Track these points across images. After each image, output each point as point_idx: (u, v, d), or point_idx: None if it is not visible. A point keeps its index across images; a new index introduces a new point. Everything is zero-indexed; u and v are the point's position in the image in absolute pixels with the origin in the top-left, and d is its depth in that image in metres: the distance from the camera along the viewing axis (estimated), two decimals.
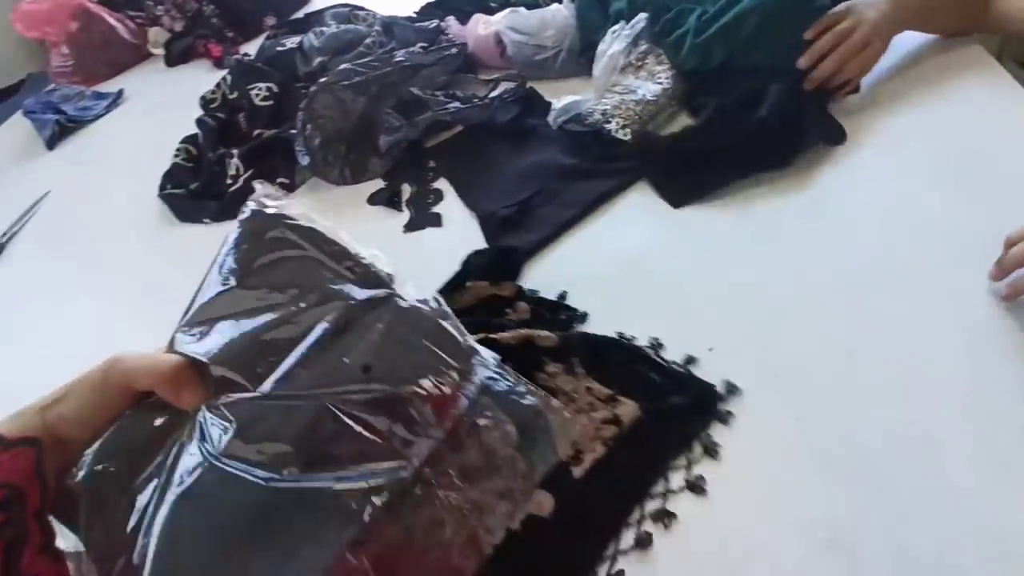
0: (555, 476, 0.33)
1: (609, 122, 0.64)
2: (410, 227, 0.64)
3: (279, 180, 0.74)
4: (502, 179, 0.64)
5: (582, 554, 0.36)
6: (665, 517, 0.36)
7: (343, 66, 0.71)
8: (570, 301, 0.50)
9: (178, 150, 0.84)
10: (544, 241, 0.56)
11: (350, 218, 0.68)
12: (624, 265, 0.53)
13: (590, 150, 0.63)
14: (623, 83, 0.66)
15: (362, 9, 0.93)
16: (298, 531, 0.25)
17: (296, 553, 0.25)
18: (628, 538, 0.36)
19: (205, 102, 0.93)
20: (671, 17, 0.67)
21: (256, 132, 0.82)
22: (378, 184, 0.71)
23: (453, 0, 0.97)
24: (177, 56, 1.30)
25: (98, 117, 1.17)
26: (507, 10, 0.81)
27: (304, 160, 0.72)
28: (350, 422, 0.26)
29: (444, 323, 0.30)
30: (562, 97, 0.68)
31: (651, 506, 0.37)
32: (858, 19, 0.58)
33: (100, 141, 1.12)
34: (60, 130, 1.12)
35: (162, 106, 1.18)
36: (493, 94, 0.74)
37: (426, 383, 0.28)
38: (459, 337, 0.30)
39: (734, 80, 0.62)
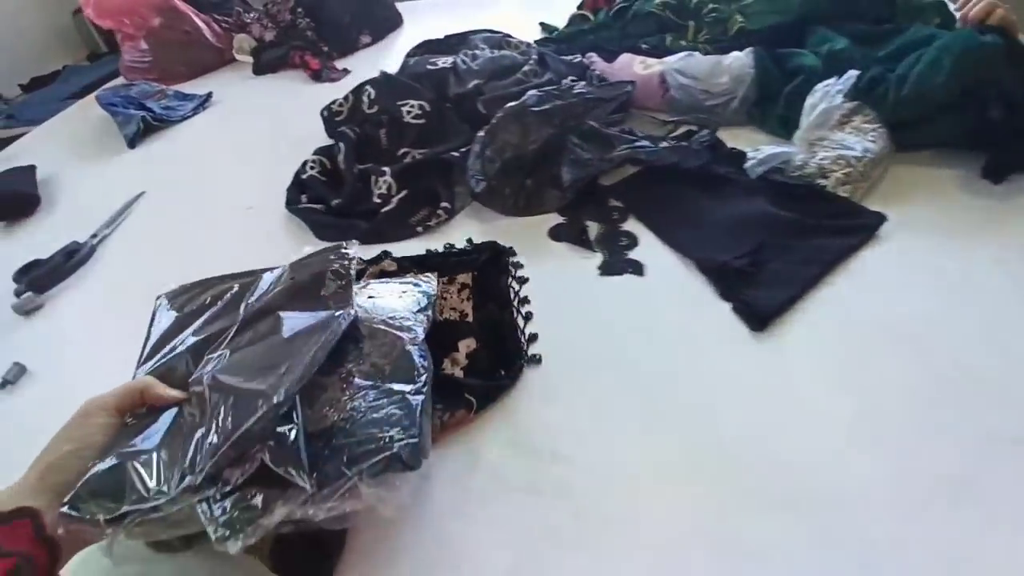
0: None
1: (827, 177, 0.61)
2: (607, 271, 0.59)
3: (442, 205, 0.68)
4: (713, 227, 0.60)
5: None
6: None
7: (530, 93, 0.67)
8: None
9: (313, 162, 0.78)
10: (794, 298, 0.51)
11: (531, 250, 0.63)
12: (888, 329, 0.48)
13: (807, 203, 0.60)
14: (832, 138, 0.64)
15: (512, 36, 0.90)
16: None
17: None
18: None
19: (331, 114, 0.88)
20: (875, 75, 0.66)
21: (402, 151, 0.77)
22: (549, 218, 0.66)
23: (598, 38, 0.96)
24: (266, 65, 1.25)
25: (185, 118, 1.10)
26: (682, 54, 0.78)
27: (479, 186, 0.67)
28: None
29: None
30: (760, 147, 0.66)
31: None
32: None
33: (187, 142, 1.04)
34: (144, 128, 1.05)
35: (251, 112, 1.12)
36: (674, 135, 0.70)
37: None
38: None
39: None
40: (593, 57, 0.90)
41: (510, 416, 0.47)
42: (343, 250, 0.45)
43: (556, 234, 0.64)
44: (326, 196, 0.73)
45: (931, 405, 0.43)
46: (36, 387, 0.61)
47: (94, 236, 0.80)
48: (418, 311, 0.44)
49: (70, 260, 0.76)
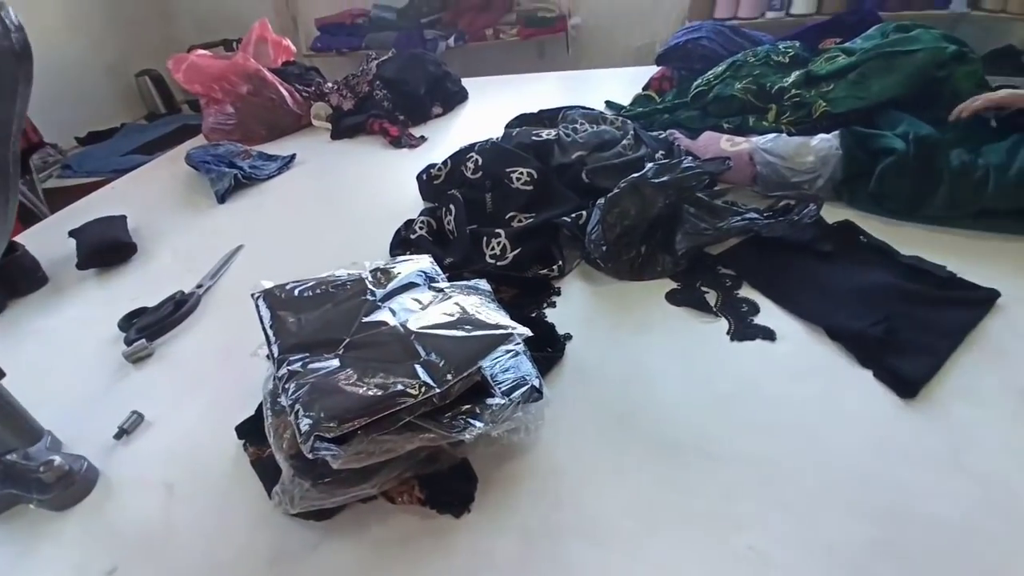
0: None
1: None
2: (738, 336, 0.60)
3: (558, 262, 0.71)
4: (836, 296, 0.62)
5: None
6: None
7: (649, 165, 0.71)
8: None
9: (422, 222, 0.81)
10: (938, 366, 0.52)
11: (658, 315, 0.64)
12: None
13: (922, 277, 0.62)
14: None
15: (606, 113, 0.97)
16: None
17: None
18: None
19: (429, 177, 0.93)
20: (965, 160, 0.71)
21: (510, 214, 0.80)
22: (662, 284, 0.69)
23: (675, 117, 1.03)
24: (345, 130, 1.33)
25: (271, 176, 1.16)
26: (771, 135, 0.84)
27: (599, 251, 0.69)
28: None
29: None
30: None
31: None
32: None
33: (276, 199, 1.09)
34: (234, 184, 1.10)
35: (334, 173, 1.18)
36: (777, 207, 0.74)
37: None
38: None
39: None
40: (676, 134, 0.97)
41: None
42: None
43: (675, 299, 0.66)
44: (437, 254, 0.75)
45: None
46: (153, 435, 0.61)
47: (199, 286, 0.82)
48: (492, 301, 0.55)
49: (179, 309, 0.77)
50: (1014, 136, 0.73)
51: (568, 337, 0.62)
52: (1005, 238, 0.69)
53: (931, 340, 0.55)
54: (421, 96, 1.37)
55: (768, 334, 0.60)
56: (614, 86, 1.36)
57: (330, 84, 1.47)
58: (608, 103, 1.26)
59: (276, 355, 0.48)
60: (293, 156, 1.23)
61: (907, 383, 0.51)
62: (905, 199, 0.73)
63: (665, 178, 0.70)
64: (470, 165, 0.87)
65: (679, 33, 1.27)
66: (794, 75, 0.93)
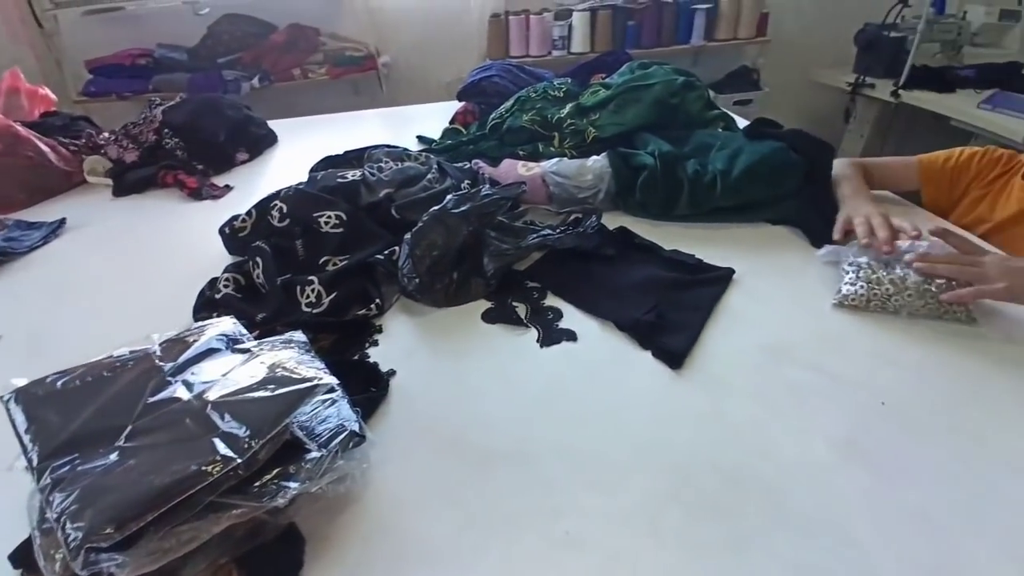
0: None
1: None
2: (546, 342, 0.67)
3: (376, 301, 0.72)
4: (618, 293, 0.73)
5: None
6: None
7: (449, 197, 0.76)
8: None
9: (226, 280, 0.76)
10: (695, 338, 0.64)
11: (476, 336, 0.69)
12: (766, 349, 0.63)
13: (678, 266, 0.76)
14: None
15: (410, 150, 1.00)
16: None
17: None
18: None
19: (233, 230, 0.88)
20: (697, 167, 0.88)
21: (323, 259, 0.79)
22: (477, 306, 0.74)
23: (480, 147, 1.11)
24: (130, 186, 1.19)
25: (34, 248, 0.98)
26: (555, 160, 0.95)
27: (412, 284, 0.72)
28: None
29: None
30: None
31: None
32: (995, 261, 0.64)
33: (42, 274, 0.93)
34: None
35: (119, 235, 1.04)
36: (568, 222, 0.84)
37: None
38: None
39: None
40: (480, 163, 1.04)
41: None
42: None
43: (490, 317, 0.71)
44: (247, 311, 0.71)
45: (802, 401, 0.57)
46: None
47: None
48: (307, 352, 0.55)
49: None
50: (735, 144, 0.93)
51: (392, 373, 0.63)
52: (734, 227, 0.88)
53: (688, 317, 0.68)
54: (221, 143, 1.28)
55: (571, 336, 0.68)
56: (428, 120, 1.42)
57: (106, 135, 1.30)
58: (419, 137, 1.31)
59: (36, 463, 0.41)
60: (62, 221, 1.06)
61: (674, 356, 0.62)
62: (659, 204, 0.89)
63: (466, 207, 0.76)
64: (275, 213, 0.84)
65: (474, 72, 1.38)
66: (568, 107, 1.07)
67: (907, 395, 0.57)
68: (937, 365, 0.61)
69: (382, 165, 0.92)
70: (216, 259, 0.89)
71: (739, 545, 0.44)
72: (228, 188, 1.17)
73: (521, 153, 1.06)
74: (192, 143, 1.25)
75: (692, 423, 0.56)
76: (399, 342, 0.69)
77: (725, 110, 1.21)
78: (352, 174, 0.88)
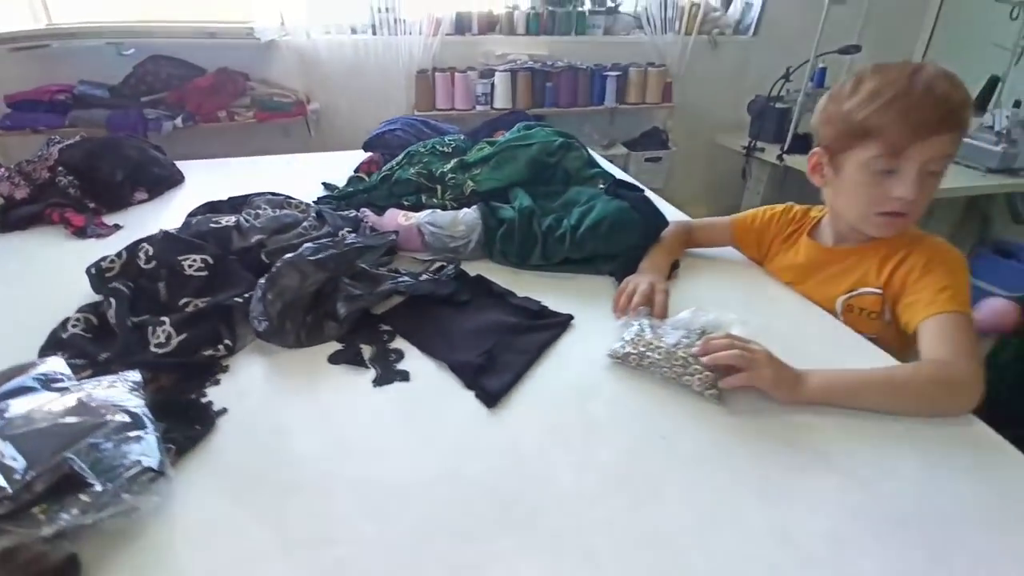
0: None
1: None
2: (380, 382, 0.72)
3: (225, 342, 0.75)
4: (461, 336, 0.78)
5: None
6: None
7: (307, 244, 0.81)
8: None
9: (76, 320, 0.78)
10: (516, 379, 0.70)
11: (318, 376, 0.73)
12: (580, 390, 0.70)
13: (522, 312, 0.84)
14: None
15: (292, 198, 1.06)
16: None
17: None
18: None
19: (100, 270, 0.89)
20: (551, 224, 0.98)
21: (183, 301, 0.82)
22: (331, 347, 0.78)
23: (372, 196, 1.17)
24: (15, 222, 1.18)
25: None
26: (429, 210, 1.03)
27: (261, 326, 0.76)
28: None
29: None
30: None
31: None
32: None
33: None
34: None
35: None
36: (431, 270, 0.91)
37: None
38: None
39: None
40: (366, 212, 1.11)
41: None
42: None
43: (335, 359, 0.76)
44: (91, 352, 0.73)
45: (588, 435, 0.63)
46: None
47: None
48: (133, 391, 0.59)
49: None
50: (593, 202, 1.03)
51: (222, 412, 0.66)
52: (580, 278, 0.97)
53: (515, 359, 0.74)
54: (119, 182, 1.29)
55: (404, 376, 0.72)
56: (343, 167, 1.48)
57: (1, 171, 1.29)
58: (324, 184, 1.37)
59: None
60: None
61: (490, 395, 0.68)
62: (516, 254, 0.97)
63: (324, 254, 0.81)
64: (142, 255, 0.86)
65: (381, 125, 1.46)
66: (453, 162, 1.16)
67: (678, 432, 0.65)
68: (697, 412, 0.68)
69: (259, 212, 0.97)
70: (83, 298, 0.90)
71: (484, 567, 0.49)
72: (117, 227, 1.18)
73: (406, 203, 1.13)
74: (87, 181, 1.26)
75: (487, 456, 0.61)
76: (241, 382, 0.72)
77: (605, 168, 1.33)
78: (227, 220, 0.92)
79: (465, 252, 1.01)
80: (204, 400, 0.68)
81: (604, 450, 0.62)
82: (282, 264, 0.79)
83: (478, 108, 2.37)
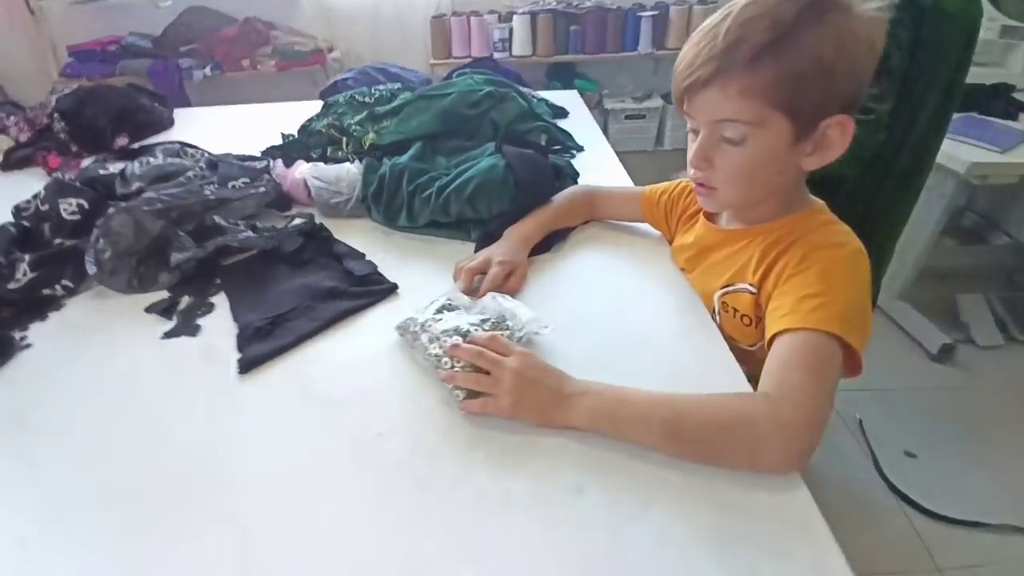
0: None
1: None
2: (169, 334, 0.72)
3: (63, 282, 0.80)
4: (269, 296, 0.76)
5: None
6: None
7: (147, 194, 0.83)
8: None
9: None
10: (283, 348, 0.67)
11: (121, 322, 0.75)
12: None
13: (351, 278, 0.79)
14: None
15: (193, 147, 1.08)
16: None
17: None
18: None
19: (18, 210, 0.98)
20: (423, 182, 0.89)
21: (57, 241, 0.88)
22: (164, 294, 0.80)
23: (291, 148, 1.16)
24: (13, 163, 1.34)
25: None
26: (314, 164, 0.99)
27: (91, 269, 0.79)
28: None
29: None
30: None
31: None
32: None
33: None
34: None
35: None
36: (289, 226, 0.88)
37: None
38: None
39: None
40: (277, 163, 1.10)
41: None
42: None
43: (150, 308, 0.77)
44: None
45: (329, 409, 0.59)
46: None
47: None
48: None
49: None
50: (475, 161, 0.93)
51: (25, 347, 0.70)
52: (453, 243, 0.89)
53: (300, 326, 0.70)
54: (101, 127, 1.41)
55: (192, 331, 0.72)
56: None
57: (14, 117, 1.46)
58: (282, 134, 1.39)
59: None
60: None
61: (244, 361, 0.65)
62: (383, 213, 0.91)
63: (160, 206, 0.82)
64: (35, 200, 0.93)
65: (339, 75, 1.43)
66: (363, 113, 1.10)
67: (400, 430, 0.58)
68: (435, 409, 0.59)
69: (151, 160, 1.00)
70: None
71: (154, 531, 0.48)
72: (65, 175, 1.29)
73: (314, 156, 1.10)
74: (74, 126, 1.39)
75: (216, 424, 0.59)
76: (67, 320, 0.77)
77: (551, 123, 1.19)
78: (115, 167, 0.96)
79: (345, 209, 0.97)
80: (15, 334, 0.73)
81: (326, 437, 0.57)
82: (115, 210, 0.81)
83: (496, 56, 2.23)
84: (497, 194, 0.85)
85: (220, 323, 0.74)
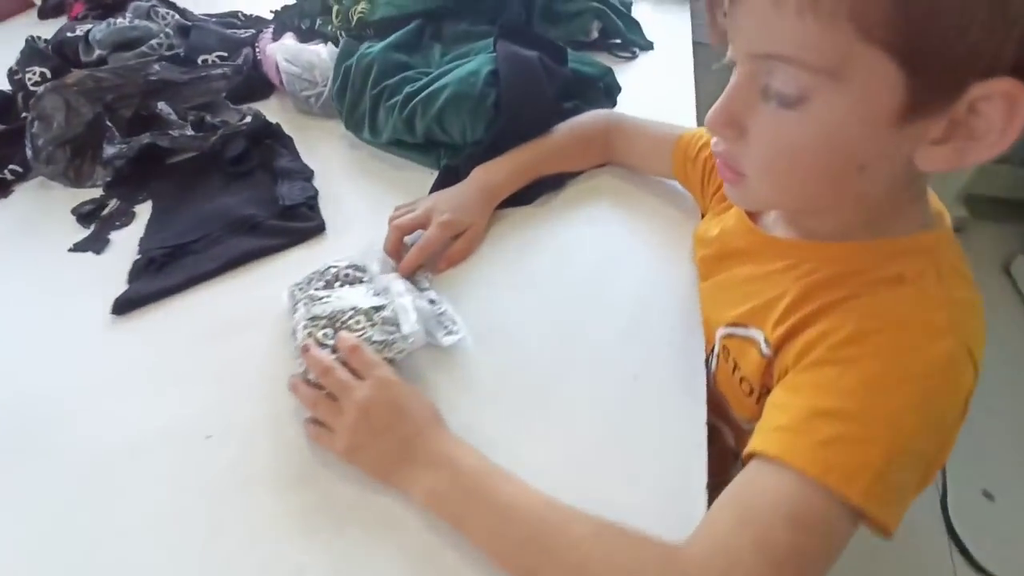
0: None
1: None
2: (75, 247, 0.64)
3: (10, 167, 0.74)
4: (186, 215, 0.64)
5: None
6: None
7: (79, 72, 0.71)
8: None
9: None
10: (169, 290, 0.56)
11: (47, 222, 0.68)
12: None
13: (273, 210, 0.63)
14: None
15: (167, 6, 0.92)
16: None
17: None
18: None
19: (10, 73, 0.92)
20: (391, 84, 0.67)
21: (24, 115, 0.81)
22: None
23: (285, 14, 0.97)
24: (49, 10, 1.28)
25: None
26: (290, 43, 0.80)
27: (28, 154, 0.71)
28: None
29: None
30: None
31: None
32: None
33: None
34: None
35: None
36: (241, 122, 0.73)
37: None
38: None
39: None
40: (265, 33, 0.92)
41: None
42: None
43: (75, 209, 0.69)
44: None
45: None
46: None
47: None
48: None
49: None
50: (450, 64, 0.68)
51: None
52: (417, 167, 0.69)
53: (202, 264, 0.58)
54: None
55: (98, 248, 0.63)
56: None
57: None
58: None
59: None
60: None
61: (120, 303, 0.55)
62: (347, 118, 0.71)
63: (92, 85, 0.70)
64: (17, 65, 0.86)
65: None
66: None
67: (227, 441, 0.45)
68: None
69: (118, 21, 0.86)
70: None
71: None
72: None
73: (303, 27, 0.90)
74: None
75: (60, 361, 0.52)
76: (11, 208, 0.72)
77: (612, 4, 0.88)
78: (82, 28, 0.84)
79: (316, 106, 0.79)
80: None
81: (184, 411, 0.47)
82: (45, 88, 0.70)
83: None
84: (470, 114, 0.61)
85: (134, 241, 0.64)
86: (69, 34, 0.85)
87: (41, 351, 0.54)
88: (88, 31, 0.84)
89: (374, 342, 0.43)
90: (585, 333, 0.51)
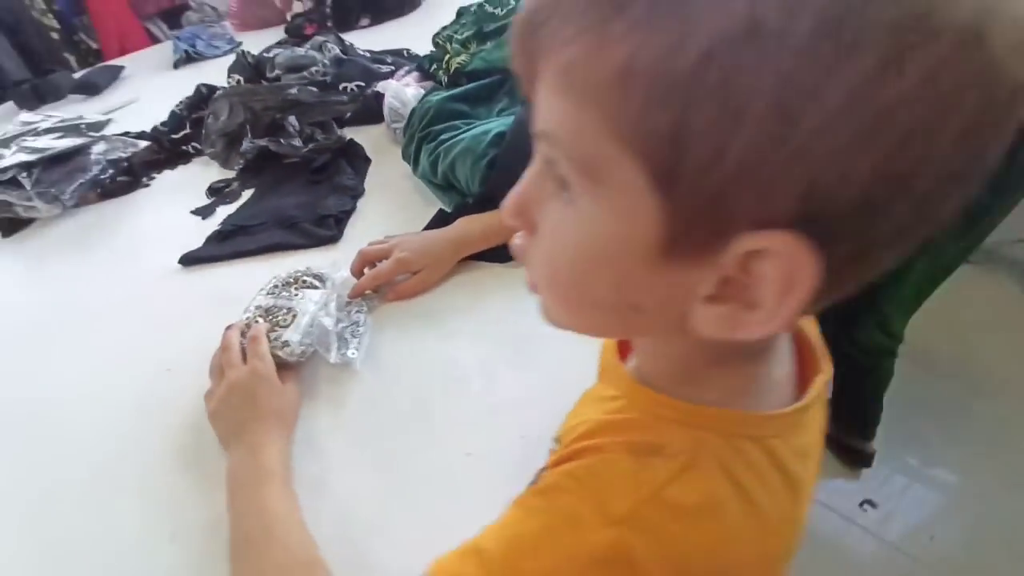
0: None
1: None
2: (195, 211, 0.86)
3: (193, 144, 1.02)
4: (265, 205, 0.83)
5: None
6: None
7: (246, 85, 0.95)
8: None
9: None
10: (220, 257, 0.73)
11: (189, 188, 0.92)
12: None
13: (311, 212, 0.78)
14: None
15: (336, 41, 1.15)
16: None
17: None
18: None
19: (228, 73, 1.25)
20: (437, 129, 0.76)
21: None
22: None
23: (425, 58, 1.14)
24: (294, 28, 1.68)
25: (216, 57, 1.60)
26: (405, 77, 0.95)
27: (202, 137, 0.98)
28: None
29: None
30: None
31: None
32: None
33: (203, 74, 1.53)
34: (186, 57, 1.57)
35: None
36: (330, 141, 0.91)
37: None
38: None
39: None
40: (401, 72, 1.09)
41: None
42: None
43: (211, 185, 0.92)
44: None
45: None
46: None
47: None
48: None
49: None
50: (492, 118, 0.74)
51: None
52: (436, 203, 0.76)
53: (245, 243, 0.74)
54: (350, 6, 1.63)
55: (207, 213, 0.84)
56: None
57: None
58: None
59: None
60: (239, 44, 1.64)
61: (185, 257, 0.74)
62: (403, 152, 0.82)
63: (241, 96, 0.94)
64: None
65: None
66: (472, 30, 0.97)
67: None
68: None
69: (299, 50, 1.11)
70: None
71: None
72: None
73: (429, 71, 1.05)
74: (334, 5, 1.64)
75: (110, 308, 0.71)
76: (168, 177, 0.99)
77: None
78: (273, 52, 1.11)
79: (400, 137, 0.92)
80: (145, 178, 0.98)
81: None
82: (220, 93, 0.95)
83: None
84: (471, 169, 0.67)
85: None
86: (265, 55, 1.13)
87: (107, 295, 0.74)
88: (276, 55, 1.11)
89: (275, 340, 0.52)
90: (466, 399, 0.52)
